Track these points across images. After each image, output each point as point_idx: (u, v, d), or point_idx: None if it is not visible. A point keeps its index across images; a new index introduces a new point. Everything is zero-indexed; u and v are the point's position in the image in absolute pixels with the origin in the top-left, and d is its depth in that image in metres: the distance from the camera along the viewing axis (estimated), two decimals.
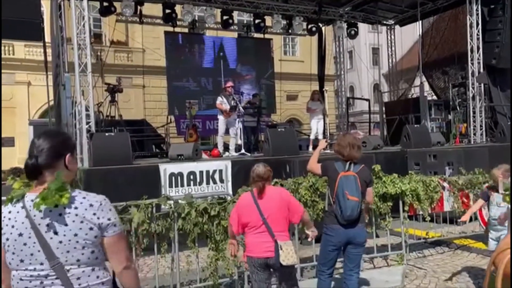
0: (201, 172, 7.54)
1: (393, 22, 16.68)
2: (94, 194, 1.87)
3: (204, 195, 6.42)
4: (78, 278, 1.77)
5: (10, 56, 19.76)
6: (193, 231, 4.63)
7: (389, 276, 5.38)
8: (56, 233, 1.75)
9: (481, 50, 12.47)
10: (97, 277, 1.82)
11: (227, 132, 10.05)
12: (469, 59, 12.56)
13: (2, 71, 18.09)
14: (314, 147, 10.74)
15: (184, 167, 7.49)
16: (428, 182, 6.06)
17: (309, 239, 3.93)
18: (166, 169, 7.31)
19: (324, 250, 3.93)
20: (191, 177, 7.48)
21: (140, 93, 21.83)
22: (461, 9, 14.16)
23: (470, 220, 7.15)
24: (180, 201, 4.70)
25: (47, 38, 10.56)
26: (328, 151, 4.40)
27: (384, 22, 16.71)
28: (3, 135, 17.66)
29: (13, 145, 18.81)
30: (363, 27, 20.66)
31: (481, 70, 12.49)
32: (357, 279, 4.00)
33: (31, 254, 1.75)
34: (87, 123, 8.66)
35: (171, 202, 4.68)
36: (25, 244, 1.75)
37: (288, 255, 3.44)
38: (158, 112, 18.17)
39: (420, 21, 15.48)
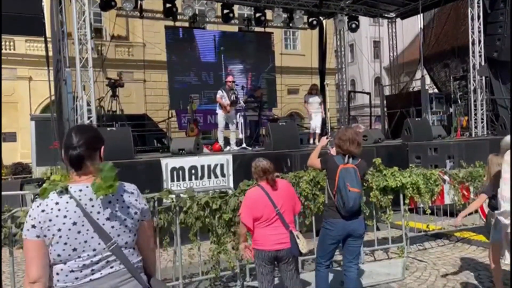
0: (202, 166, 7.57)
1: (394, 15, 16.62)
2: (126, 182, 2.04)
3: (206, 189, 6.44)
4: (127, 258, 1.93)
5: (11, 51, 19.79)
6: (195, 225, 4.67)
7: (390, 269, 5.42)
8: (108, 219, 1.88)
9: (482, 43, 12.44)
10: (137, 255, 1.99)
11: (227, 126, 10.07)
12: (471, 52, 12.53)
13: (4, 66, 18.14)
14: (314, 139, 10.75)
15: (186, 162, 7.52)
16: (428, 175, 6.07)
17: None
18: (168, 163, 7.34)
19: (323, 244, 3.97)
20: (193, 171, 7.51)
21: (141, 88, 21.85)
22: (463, 1, 14.10)
23: (470, 213, 7.19)
24: (182, 195, 4.73)
25: (48, 33, 10.57)
26: (329, 147, 4.43)
27: (385, 15, 16.65)
28: (5, 130, 17.75)
29: (15, 140, 18.89)
30: (364, 20, 20.58)
31: (483, 63, 12.47)
32: (357, 270, 4.03)
33: (85, 241, 1.83)
34: (89, 118, 8.69)
35: (173, 196, 4.71)
36: (79, 232, 1.83)
37: (304, 243, 3.59)
38: (159, 106, 18.19)
39: (421, 14, 15.41)
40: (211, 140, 13.55)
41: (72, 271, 1.81)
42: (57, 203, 1.84)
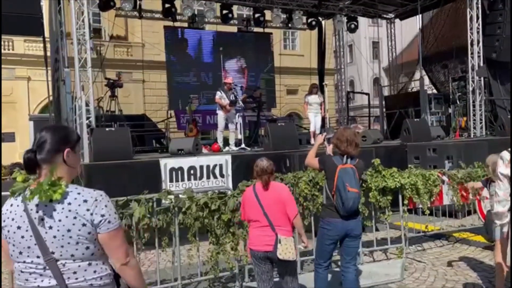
0: (201, 167, 7.56)
1: (393, 16, 16.64)
2: (91, 190, 1.85)
3: (205, 189, 6.45)
4: (75, 273, 1.78)
5: (10, 51, 19.75)
6: (193, 225, 4.66)
7: (389, 269, 5.42)
8: (50, 227, 1.75)
9: (481, 43, 12.46)
10: (94, 271, 1.82)
11: (226, 127, 10.06)
12: (469, 52, 12.55)
13: (2, 66, 18.10)
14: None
15: (185, 162, 7.51)
16: (427, 175, 6.08)
17: (304, 247, 3.82)
18: (167, 163, 7.33)
19: (321, 244, 3.97)
20: (192, 171, 7.50)
21: (140, 88, 21.83)
22: (461, 2, 14.11)
23: (469, 213, 7.20)
24: (180, 195, 4.72)
25: (47, 33, 10.55)
26: (326, 144, 4.40)
27: (384, 15, 16.67)
28: (4, 131, 17.71)
29: (13, 140, 18.84)
30: (363, 21, 20.60)
31: (481, 63, 12.49)
32: (355, 271, 4.04)
33: (28, 247, 1.77)
34: (87, 118, 8.67)
35: (172, 196, 4.70)
36: (22, 237, 1.78)
37: (286, 250, 3.49)
38: (158, 107, 18.17)
39: (420, 15, 15.43)
40: (210, 141, 13.53)
41: (22, 271, 1.81)
42: (11, 205, 1.84)
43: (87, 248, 1.79)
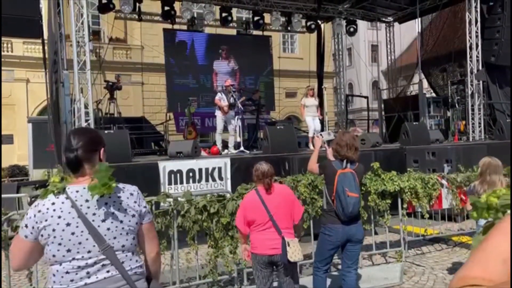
0: (200, 170, 7.55)
1: (392, 19, 16.68)
2: (128, 184, 2.02)
3: (203, 192, 6.44)
4: (123, 263, 1.87)
5: (9, 53, 19.73)
6: (192, 229, 4.64)
7: (388, 273, 5.40)
8: (103, 220, 1.85)
9: (480, 47, 12.48)
10: (136, 261, 1.94)
11: (225, 129, 10.06)
12: (468, 56, 12.57)
13: (1, 68, 18.07)
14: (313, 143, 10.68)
15: (183, 165, 7.49)
16: (426, 179, 6.07)
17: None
18: (165, 166, 7.32)
19: (322, 250, 3.95)
20: (190, 174, 7.49)
21: (139, 90, 21.82)
22: (460, 6, 14.16)
23: (468, 217, 7.19)
24: (179, 198, 4.70)
25: (46, 35, 10.54)
26: (326, 147, 4.38)
27: (383, 19, 16.71)
28: (2, 133, 17.67)
29: (12, 143, 18.79)
30: (362, 24, 20.62)
31: (480, 67, 12.51)
32: (356, 275, 4.03)
33: (79, 243, 1.80)
34: (86, 120, 8.66)
35: (171, 199, 4.69)
36: (73, 233, 1.80)
37: (295, 251, 3.49)
38: (157, 109, 18.16)
39: (419, 18, 15.46)
40: (209, 143, 13.53)
41: (67, 272, 1.79)
42: (53, 204, 1.84)
43: (134, 238, 1.93)
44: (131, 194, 1.96)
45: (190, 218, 4.63)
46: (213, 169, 7.65)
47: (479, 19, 12.48)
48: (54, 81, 9.53)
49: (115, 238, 1.85)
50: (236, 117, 9.97)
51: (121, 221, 1.87)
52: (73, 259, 1.79)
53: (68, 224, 1.80)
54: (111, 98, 11.80)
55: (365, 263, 5.83)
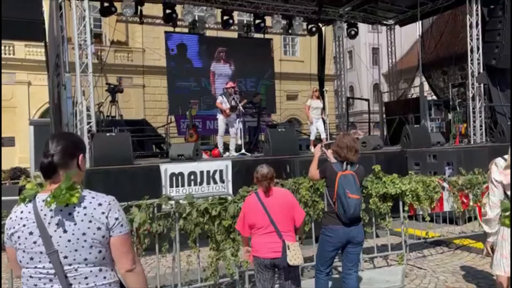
0: (201, 172, 7.56)
1: (393, 22, 16.70)
2: (104, 194, 1.91)
3: (205, 195, 6.43)
4: (86, 278, 1.80)
5: (11, 56, 19.78)
6: (194, 231, 4.65)
7: (389, 276, 5.40)
8: (65, 231, 1.78)
9: (480, 50, 12.50)
10: (104, 277, 1.84)
11: (227, 132, 10.07)
12: (469, 59, 12.59)
13: (3, 70, 18.12)
14: (314, 146, 10.64)
15: (185, 167, 7.50)
16: (428, 182, 6.07)
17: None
18: (167, 169, 7.33)
19: (323, 251, 3.95)
20: (192, 177, 7.49)
21: (140, 93, 21.86)
22: (461, 9, 14.18)
23: (470, 220, 7.19)
24: (181, 201, 4.71)
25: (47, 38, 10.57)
26: (324, 150, 4.37)
27: (384, 22, 16.73)
28: (3, 135, 17.71)
29: (13, 145, 18.81)
30: (363, 27, 20.67)
31: (481, 70, 12.52)
32: (356, 278, 4.03)
33: (41, 252, 1.78)
34: (88, 123, 8.68)
35: (172, 202, 4.70)
36: (35, 242, 1.79)
37: (295, 255, 3.48)
38: (158, 112, 18.19)
39: (420, 21, 15.50)
40: (210, 146, 13.55)
41: (31, 276, 1.81)
42: (22, 212, 1.85)
43: (100, 252, 1.82)
44: (99, 205, 1.83)
45: (192, 221, 4.64)
46: (215, 171, 7.66)
47: (479, 22, 12.50)
48: (56, 84, 9.55)
49: (76, 250, 1.78)
50: (238, 119, 9.98)
51: (83, 233, 1.78)
52: (36, 267, 1.80)
53: (31, 233, 1.79)
54: (112, 101, 11.83)
55: (366, 266, 5.83)
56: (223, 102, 9.81)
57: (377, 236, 6.03)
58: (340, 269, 4.83)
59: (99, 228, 1.81)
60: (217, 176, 7.67)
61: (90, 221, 1.80)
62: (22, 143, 17.83)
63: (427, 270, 5.72)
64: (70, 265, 1.78)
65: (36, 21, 9.11)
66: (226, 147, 10.22)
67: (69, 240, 1.77)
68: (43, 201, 1.80)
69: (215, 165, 7.75)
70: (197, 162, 7.89)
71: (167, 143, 13.26)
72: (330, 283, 4.30)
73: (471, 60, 12.54)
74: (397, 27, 16.88)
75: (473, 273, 5.49)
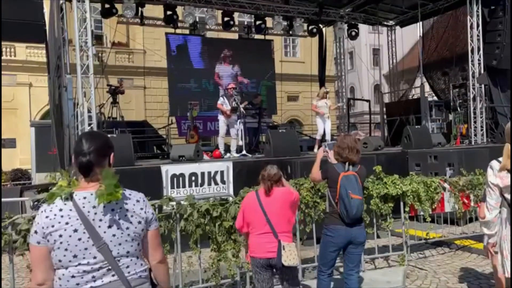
0: (202, 173, 7.57)
1: (393, 23, 16.71)
2: (135, 191, 2.04)
3: (206, 196, 6.45)
4: (128, 267, 1.90)
5: (12, 57, 19.83)
6: (195, 232, 4.65)
7: (391, 277, 5.40)
8: (109, 227, 1.87)
9: (481, 51, 12.49)
10: (141, 264, 1.97)
11: (228, 133, 10.08)
12: (470, 60, 12.58)
13: (4, 72, 18.17)
14: (319, 147, 10.50)
15: (186, 168, 7.51)
16: (429, 183, 6.07)
17: None
18: (168, 170, 7.34)
19: (325, 251, 3.95)
20: (193, 178, 7.50)
21: (141, 94, 21.89)
22: (462, 10, 14.18)
23: (471, 220, 7.19)
24: (182, 202, 4.72)
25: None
26: (327, 149, 4.36)
27: (385, 23, 16.74)
28: (5, 136, 17.75)
29: (14, 146, 18.86)
30: (363, 28, 20.70)
31: (482, 71, 12.51)
32: (358, 278, 4.03)
33: (85, 249, 1.83)
34: (89, 124, 8.70)
35: (173, 203, 4.70)
36: (79, 239, 1.83)
37: (290, 256, 3.49)
38: (159, 113, 18.21)
39: (421, 22, 15.51)
40: (211, 147, 13.56)
41: (73, 276, 1.82)
42: (60, 210, 1.86)
43: (138, 244, 1.95)
44: (138, 201, 1.97)
45: (193, 222, 4.64)
46: (216, 172, 7.67)
47: (480, 23, 12.50)
48: (58, 85, 9.57)
49: (120, 244, 1.87)
50: (238, 121, 9.99)
51: (127, 228, 1.89)
52: (79, 264, 1.82)
53: (75, 231, 1.83)
54: (113, 102, 11.85)
55: (367, 266, 5.83)
56: (224, 104, 9.82)
57: (378, 237, 6.03)
58: (341, 269, 4.83)
59: (139, 222, 1.94)
60: (218, 177, 7.68)
61: (132, 216, 1.92)
62: (23, 144, 17.88)
63: (428, 271, 5.72)
64: (115, 258, 1.87)
65: (37, 23, 9.14)
66: (227, 148, 10.23)
67: (114, 235, 1.87)
68: (84, 198, 1.87)
69: (216, 166, 7.77)
70: (198, 163, 7.90)
71: (168, 144, 13.29)
72: (331, 283, 4.30)
73: (472, 60, 12.53)
74: (397, 28, 16.87)
75: (474, 273, 5.49)
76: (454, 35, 15.34)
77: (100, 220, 1.86)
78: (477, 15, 12.48)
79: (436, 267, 5.85)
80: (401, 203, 5.88)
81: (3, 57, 19.12)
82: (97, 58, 14.59)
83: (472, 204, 6.29)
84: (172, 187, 7.29)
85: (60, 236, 1.82)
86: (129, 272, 1.89)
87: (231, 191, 7.42)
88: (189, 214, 4.64)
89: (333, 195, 3.86)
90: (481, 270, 5.58)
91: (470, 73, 12.60)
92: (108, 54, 15.56)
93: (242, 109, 9.82)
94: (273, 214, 3.57)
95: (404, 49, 17.66)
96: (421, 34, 16.23)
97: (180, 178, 7.40)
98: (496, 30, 12.76)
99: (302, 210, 5.22)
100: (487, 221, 3.44)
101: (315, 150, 10.54)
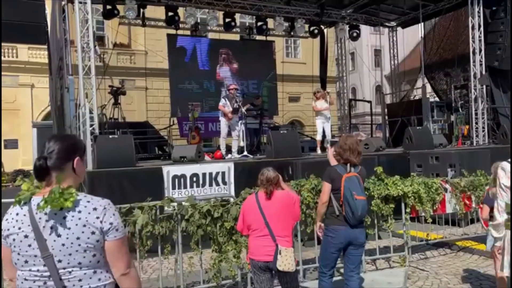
0: (204, 174, 7.57)
1: (395, 24, 16.70)
2: (99, 198, 1.88)
3: (207, 197, 6.46)
4: (80, 280, 1.80)
5: (14, 58, 19.88)
6: (196, 233, 4.67)
7: (392, 278, 5.40)
8: (59, 235, 1.77)
9: (483, 52, 12.47)
10: (99, 279, 1.84)
11: (229, 134, 10.09)
12: (471, 61, 12.56)
13: (6, 73, 18.22)
14: (321, 148, 10.46)
15: (187, 169, 7.52)
16: (430, 184, 6.07)
17: None
18: (169, 171, 7.35)
19: (326, 252, 3.96)
20: (194, 179, 7.51)
21: (142, 95, 21.92)
22: (463, 11, 14.17)
23: (472, 221, 7.18)
24: (183, 203, 4.73)
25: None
26: (328, 145, 4.36)
27: (386, 24, 16.73)
28: (7, 137, 17.79)
29: (16, 147, 18.91)
30: (365, 29, 20.68)
31: (483, 72, 12.49)
32: (358, 279, 4.03)
33: (35, 256, 1.78)
34: (91, 125, 8.71)
35: (175, 204, 4.71)
36: (29, 245, 1.79)
37: (286, 261, 3.48)
38: (160, 114, 18.23)
39: (422, 23, 15.48)
40: (213, 148, 13.56)
41: (26, 279, 1.81)
42: (17, 214, 1.84)
43: (94, 255, 1.81)
44: (94, 209, 1.81)
45: (194, 223, 4.65)
46: (217, 173, 7.67)
47: (482, 24, 12.48)
48: (59, 86, 9.60)
49: (70, 255, 1.77)
50: (240, 122, 9.99)
51: (77, 238, 1.77)
52: (30, 270, 1.80)
53: (26, 236, 1.79)
54: (115, 103, 11.88)
55: (368, 267, 5.83)
56: (225, 105, 9.82)
57: (379, 238, 6.03)
58: (342, 270, 4.83)
59: (93, 233, 1.79)
60: (219, 178, 7.68)
61: (84, 226, 1.78)
62: (25, 145, 17.92)
63: (430, 272, 5.72)
64: (64, 268, 1.78)
65: (39, 24, 9.16)
66: (229, 149, 10.24)
67: (63, 244, 1.77)
68: (38, 204, 1.79)
69: (218, 167, 7.77)
70: (200, 164, 7.91)
71: (170, 145, 13.28)
72: (333, 285, 4.30)
73: (474, 61, 12.52)
74: (399, 28, 16.86)
75: (476, 275, 5.49)
76: (456, 36, 15.32)
77: (51, 227, 1.77)
78: (479, 16, 12.46)
79: (437, 268, 5.84)
80: (402, 204, 5.88)
81: (5, 58, 19.18)
82: (99, 59, 14.61)
83: (473, 205, 6.30)
84: (174, 188, 7.29)
85: (14, 240, 1.81)
86: (81, 286, 1.79)
87: (233, 192, 7.43)
88: (191, 215, 4.66)
89: (337, 197, 3.84)
90: (482, 271, 5.58)
91: (472, 74, 12.58)
92: (110, 55, 15.59)
93: (243, 110, 9.82)
94: (272, 218, 3.57)
95: (405, 50, 17.64)
96: (422, 35, 16.21)
97: (182, 179, 7.41)
98: (498, 31, 12.75)
99: (303, 211, 5.22)
100: (497, 224, 3.41)
101: (318, 151, 10.49)
